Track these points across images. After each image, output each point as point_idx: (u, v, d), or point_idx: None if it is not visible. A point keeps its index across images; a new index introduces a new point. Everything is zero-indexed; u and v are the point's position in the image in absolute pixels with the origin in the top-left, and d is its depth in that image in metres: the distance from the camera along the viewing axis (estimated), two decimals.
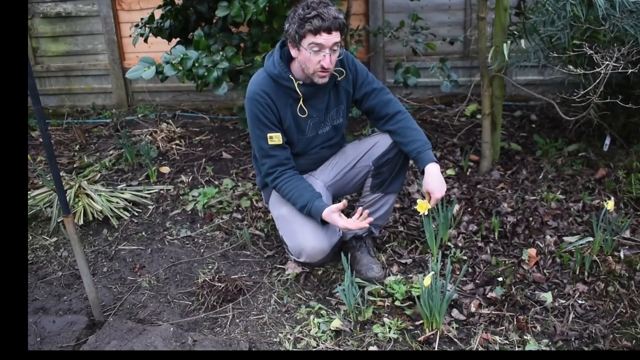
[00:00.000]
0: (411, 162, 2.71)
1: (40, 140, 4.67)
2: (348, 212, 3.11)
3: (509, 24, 3.40)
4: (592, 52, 2.68)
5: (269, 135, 2.49)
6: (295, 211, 2.52)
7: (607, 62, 2.65)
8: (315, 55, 2.31)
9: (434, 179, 2.47)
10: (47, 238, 3.22)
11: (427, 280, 2.18)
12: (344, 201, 2.41)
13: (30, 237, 3.23)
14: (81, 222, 3.25)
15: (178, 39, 3.86)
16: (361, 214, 2.37)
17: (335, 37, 2.30)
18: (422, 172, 2.52)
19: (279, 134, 2.50)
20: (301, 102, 2.50)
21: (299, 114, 2.52)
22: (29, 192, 3.49)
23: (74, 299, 2.69)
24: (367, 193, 2.69)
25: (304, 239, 2.47)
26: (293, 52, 2.40)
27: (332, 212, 2.38)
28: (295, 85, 2.44)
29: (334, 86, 2.56)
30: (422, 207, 2.43)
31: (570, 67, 2.82)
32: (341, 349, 2.26)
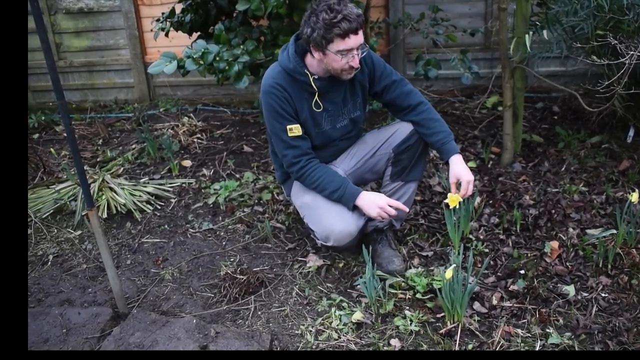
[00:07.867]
0: (432, 153, 2.71)
1: (64, 134, 4.75)
2: None
3: (530, 14, 3.36)
4: (616, 42, 2.64)
5: (288, 127, 2.50)
6: (319, 197, 2.54)
7: (631, 52, 2.61)
8: (344, 57, 2.31)
9: (460, 167, 2.51)
10: (72, 231, 3.27)
11: (449, 273, 2.18)
12: None
13: (55, 231, 3.28)
14: (105, 215, 3.30)
15: (199, 33, 3.88)
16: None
17: (361, 36, 2.29)
18: (446, 163, 2.53)
19: (298, 126, 2.51)
20: (316, 96, 2.50)
21: (314, 108, 2.52)
22: (54, 186, 3.55)
23: (98, 291, 2.74)
24: (387, 182, 2.69)
25: (330, 222, 2.48)
26: (316, 54, 2.36)
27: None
28: (311, 79, 2.45)
29: (350, 79, 2.56)
30: (454, 200, 2.44)
31: (594, 57, 2.77)
32: (362, 341, 2.27)
